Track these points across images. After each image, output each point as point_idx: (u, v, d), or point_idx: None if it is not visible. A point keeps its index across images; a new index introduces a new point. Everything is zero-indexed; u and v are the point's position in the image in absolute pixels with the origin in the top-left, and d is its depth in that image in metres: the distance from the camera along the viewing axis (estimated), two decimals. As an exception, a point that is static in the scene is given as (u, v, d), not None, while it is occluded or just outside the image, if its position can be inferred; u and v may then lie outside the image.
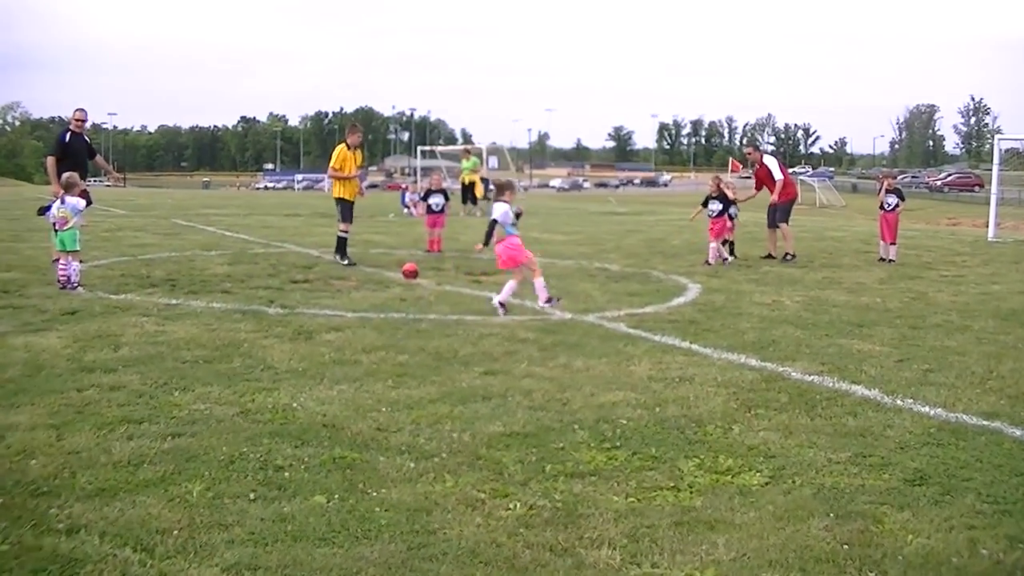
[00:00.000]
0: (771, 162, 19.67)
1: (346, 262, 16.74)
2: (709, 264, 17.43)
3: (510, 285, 11.60)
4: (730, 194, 18.53)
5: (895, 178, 21.19)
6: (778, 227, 19.27)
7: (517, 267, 11.74)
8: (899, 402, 7.55)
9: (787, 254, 18.65)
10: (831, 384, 8.12)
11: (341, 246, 17.22)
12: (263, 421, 6.68)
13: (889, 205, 19.46)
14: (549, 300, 11.76)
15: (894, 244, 19.22)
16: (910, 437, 6.58)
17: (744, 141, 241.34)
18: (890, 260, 18.85)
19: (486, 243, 11.68)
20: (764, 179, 19.65)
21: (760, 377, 8.34)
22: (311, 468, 5.73)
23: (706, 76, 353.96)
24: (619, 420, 6.87)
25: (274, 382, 7.82)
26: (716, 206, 18.22)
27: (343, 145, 17.71)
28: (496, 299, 11.50)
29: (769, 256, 19.01)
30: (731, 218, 18.66)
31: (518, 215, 11.85)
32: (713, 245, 17.83)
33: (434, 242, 19.41)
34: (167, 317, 10.79)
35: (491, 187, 41.68)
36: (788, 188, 19.61)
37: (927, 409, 7.32)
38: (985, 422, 6.98)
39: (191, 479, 5.52)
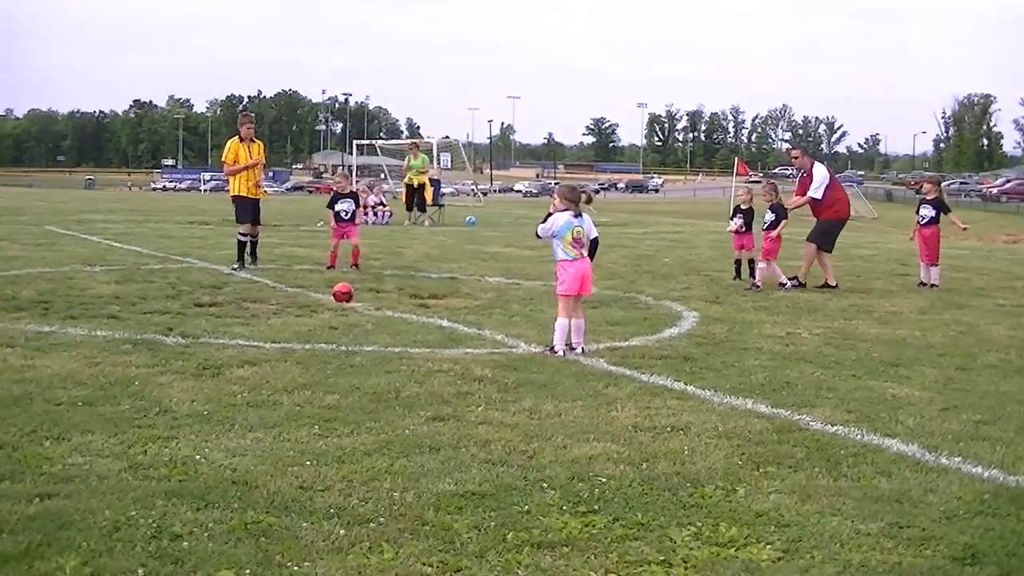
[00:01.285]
0: (819, 173, 19.41)
1: (236, 266, 18.14)
2: (758, 288, 17.50)
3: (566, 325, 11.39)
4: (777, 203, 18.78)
5: (938, 184, 21.19)
6: (819, 248, 19.11)
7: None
8: (944, 460, 7.56)
9: (793, 277, 18.63)
10: (859, 437, 8.15)
11: (240, 251, 18.27)
12: (157, 478, 6.62)
13: (923, 219, 19.70)
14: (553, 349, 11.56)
15: (935, 265, 19.30)
16: (958, 504, 6.59)
17: (788, 142, 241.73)
18: (931, 285, 18.95)
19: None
20: (805, 191, 19.56)
21: (771, 427, 8.36)
22: (216, 536, 5.68)
23: (706, 57, 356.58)
24: (597, 478, 6.86)
25: (172, 429, 7.76)
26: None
27: (235, 137, 19.19)
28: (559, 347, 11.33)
29: (825, 284, 18.59)
30: (749, 230, 19.22)
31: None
32: (762, 265, 18.02)
33: (335, 255, 19.23)
34: (37, 348, 10.70)
35: (442, 191, 41.89)
36: (839, 204, 19.71)
37: (979, 470, 7.34)
38: (1054, 487, 6.99)
39: (63, 552, 5.44)
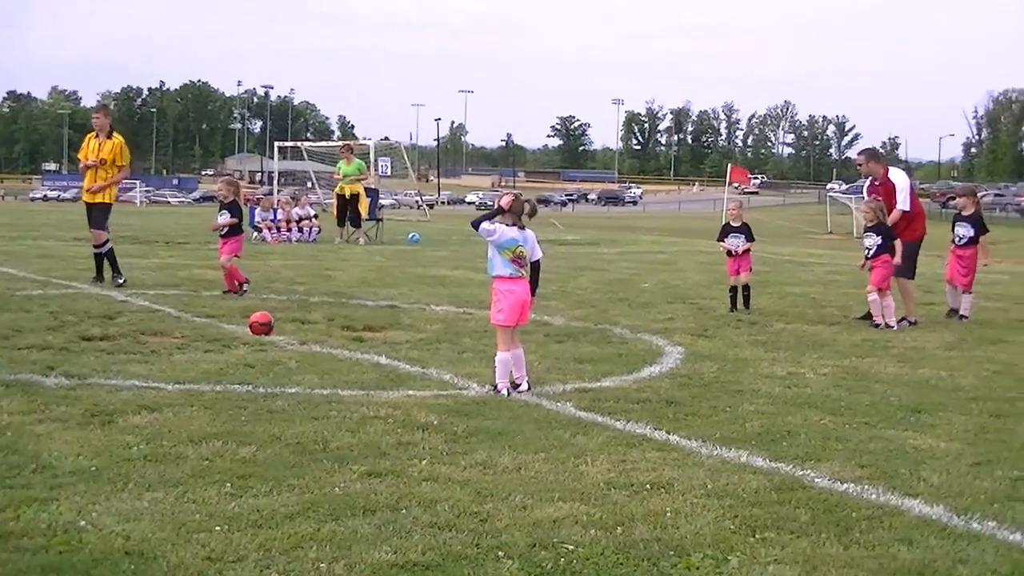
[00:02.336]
0: (899, 179, 19.26)
1: (94, 275, 19.50)
2: (890, 326, 17.35)
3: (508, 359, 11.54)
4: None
5: (975, 196, 21.09)
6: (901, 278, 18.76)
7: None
8: (976, 525, 7.59)
9: (903, 319, 18.25)
10: (874, 496, 8.19)
11: (98, 263, 19.72)
12: (32, 549, 6.56)
13: (961, 239, 19.66)
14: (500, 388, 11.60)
15: (968, 293, 19.36)
16: (992, 576, 6.64)
17: (852, 150, 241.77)
18: (960, 316, 19.08)
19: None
20: (886, 200, 19.32)
21: (769, 484, 8.39)
22: (106, 616, 5.64)
23: (694, 45, 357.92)
24: (563, 545, 6.86)
25: (51, 489, 7.70)
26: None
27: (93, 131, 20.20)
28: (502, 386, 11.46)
29: (903, 320, 18.37)
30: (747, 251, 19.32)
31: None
32: (873, 298, 17.76)
33: (230, 276, 19.25)
34: None
35: (380, 202, 41.90)
36: (918, 220, 19.44)
37: (1019, 537, 7.36)
38: (1108, 559, 7.04)
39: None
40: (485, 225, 11.46)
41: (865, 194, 20.17)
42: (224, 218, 19.50)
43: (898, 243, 17.67)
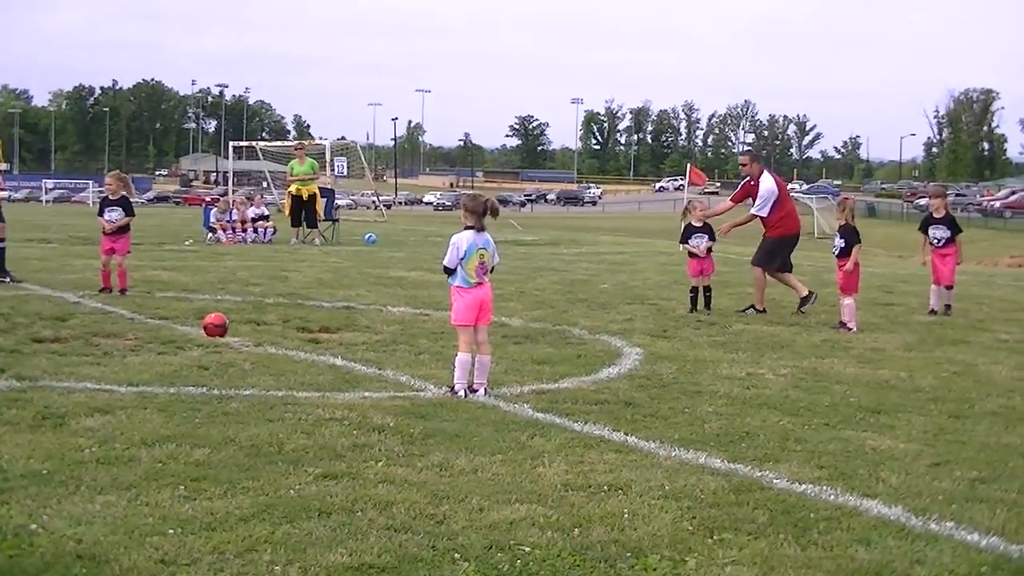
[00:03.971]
0: (766, 185, 19.95)
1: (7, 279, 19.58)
2: (850, 330, 17.45)
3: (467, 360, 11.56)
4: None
5: (944, 197, 21.42)
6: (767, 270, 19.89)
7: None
8: (934, 526, 7.65)
9: (750, 307, 19.44)
10: (832, 497, 8.24)
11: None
12: (-15, 550, 6.56)
13: (939, 241, 20.28)
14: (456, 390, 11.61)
15: (950, 288, 20.16)
16: (950, 578, 6.68)
17: (813, 150, 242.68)
18: (946, 306, 19.95)
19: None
20: (744, 198, 20.50)
21: (727, 486, 8.42)
22: (57, 621, 5.64)
23: (654, 43, 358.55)
24: (520, 547, 6.89)
25: (2, 493, 7.67)
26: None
27: None
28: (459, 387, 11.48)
29: (750, 307, 19.61)
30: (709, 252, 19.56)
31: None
32: (848, 302, 17.79)
33: (107, 275, 19.19)
34: None
35: (336, 203, 41.86)
36: (788, 219, 20.24)
37: (976, 537, 7.41)
38: (1065, 558, 7.10)
39: None
40: (447, 258, 11.49)
41: (738, 190, 21.24)
42: (118, 215, 19.43)
43: (856, 248, 17.85)
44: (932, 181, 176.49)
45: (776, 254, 19.96)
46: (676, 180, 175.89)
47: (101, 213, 19.67)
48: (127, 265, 19.57)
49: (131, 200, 20.38)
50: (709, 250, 19.48)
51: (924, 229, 20.68)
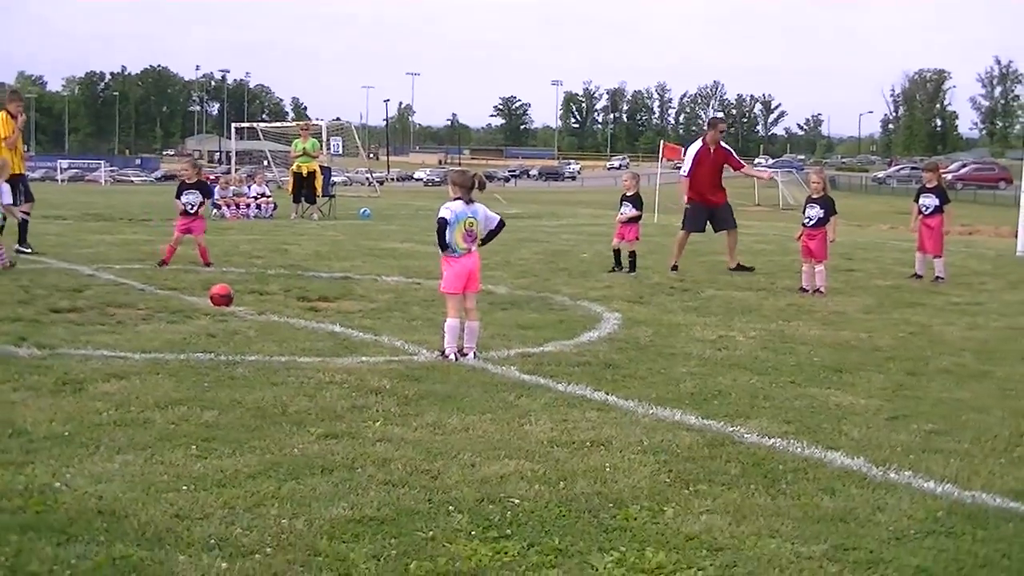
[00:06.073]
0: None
1: (29, 250, 20.41)
2: (942, 279, 17.90)
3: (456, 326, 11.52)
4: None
5: (937, 171, 22.26)
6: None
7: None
8: (893, 475, 7.70)
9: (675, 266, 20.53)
10: (799, 450, 8.27)
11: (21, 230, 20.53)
12: (10, 510, 6.54)
13: (927, 208, 20.64)
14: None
15: (939, 257, 20.37)
16: (909, 524, 6.72)
17: (778, 127, 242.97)
18: (937, 278, 20.05)
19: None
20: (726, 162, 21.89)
21: (701, 441, 8.45)
22: (80, 574, 5.64)
23: (628, 28, 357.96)
24: (510, 500, 6.91)
25: (27, 453, 7.67)
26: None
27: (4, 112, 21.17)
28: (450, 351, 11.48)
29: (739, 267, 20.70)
30: (635, 220, 20.38)
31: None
32: (820, 268, 17.99)
33: (172, 251, 19.28)
34: None
35: (333, 180, 41.77)
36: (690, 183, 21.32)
37: (932, 485, 7.48)
38: (1013, 504, 7.14)
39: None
40: (440, 222, 11.48)
41: (696, 162, 21.51)
42: (195, 196, 19.74)
43: (835, 219, 18.04)
44: (888, 156, 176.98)
45: (688, 217, 21.42)
46: (623, 158, 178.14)
47: (179, 196, 19.92)
48: (206, 242, 19.79)
49: (206, 183, 21.43)
50: (633, 218, 20.27)
51: (917, 198, 21.07)
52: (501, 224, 11.94)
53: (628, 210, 20.25)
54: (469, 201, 11.57)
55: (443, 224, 11.40)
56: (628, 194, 20.59)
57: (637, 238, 20.44)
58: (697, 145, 21.49)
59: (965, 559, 6.13)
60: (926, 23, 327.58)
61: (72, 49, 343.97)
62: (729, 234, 21.03)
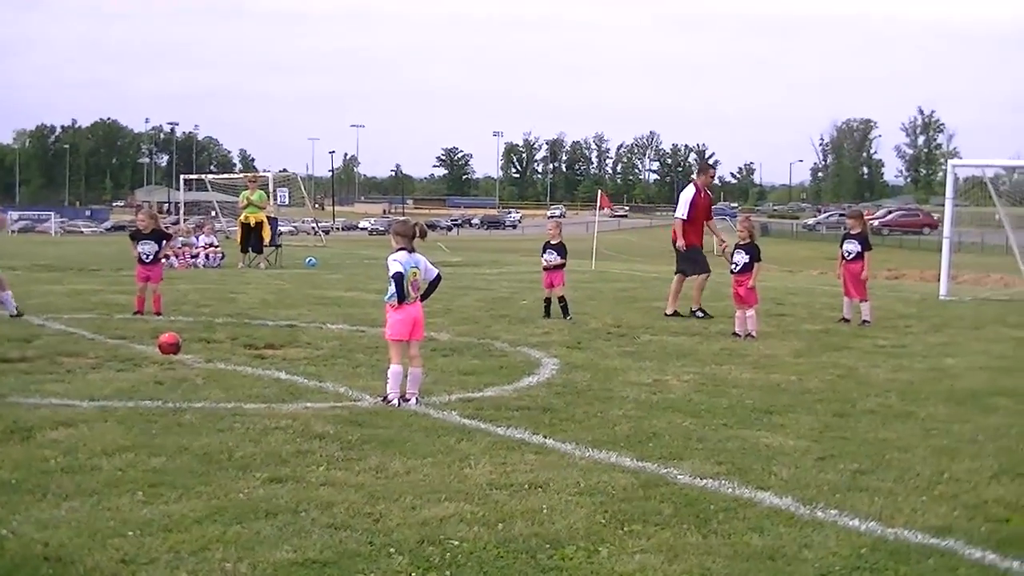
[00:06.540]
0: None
1: None
2: (753, 338, 17.76)
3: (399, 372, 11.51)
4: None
5: (862, 218, 22.39)
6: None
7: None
8: (820, 514, 7.76)
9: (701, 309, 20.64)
10: (730, 490, 8.31)
11: None
12: (-41, 554, 6.51)
13: (849, 254, 20.81)
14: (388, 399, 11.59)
15: (865, 301, 20.49)
16: (834, 560, 6.77)
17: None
18: (863, 321, 20.10)
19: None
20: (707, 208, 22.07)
21: (636, 482, 8.48)
22: (27, 617, 5.61)
23: (567, 80, 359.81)
24: (449, 541, 6.92)
25: (-25, 500, 7.63)
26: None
27: None
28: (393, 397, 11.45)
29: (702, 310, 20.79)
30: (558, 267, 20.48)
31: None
32: (750, 313, 18.15)
33: (142, 300, 19.30)
34: None
35: (279, 229, 41.70)
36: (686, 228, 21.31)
37: (857, 523, 7.54)
38: (934, 540, 7.20)
39: None
40: (391, 294, 11.48)
41: (692, 206, 21.55)
42: (151, 247, 19.77)
43: (757, 265, 18.19)
44: (818, 203, 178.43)
45: (684, 259, 21.52)
46: (560, 207, 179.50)
47: (135, 244, 19.85)
48: (160, 291, 19.74)
49: (162, 232, 20.97)
50: (559, 266, 20.37)
51: (841, 244, 21.30)
52: (438, 278, 11.96)
53: (554, 258, 20.38)
54: (411, 250, 11.59)
55: (400, 278, 11.39)
56: (552, 242, 20.77)
57: (563, 283, 20.50)
58: (691, 190, 21.61)
59: (889, 594, 6.18)
60: (853, 74, 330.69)
61: (22, 102, 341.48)
62: (705, 278, 21.07)
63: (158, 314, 18.95)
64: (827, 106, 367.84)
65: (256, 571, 6.32)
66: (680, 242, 21.22)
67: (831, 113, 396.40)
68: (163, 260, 20.50)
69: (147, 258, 19.50)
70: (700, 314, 20.34)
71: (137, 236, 19.87)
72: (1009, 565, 6.68)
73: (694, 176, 22.80)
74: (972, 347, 17.45)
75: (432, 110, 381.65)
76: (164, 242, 20.51)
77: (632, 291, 23.78)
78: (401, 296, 11.41)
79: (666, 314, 20.35)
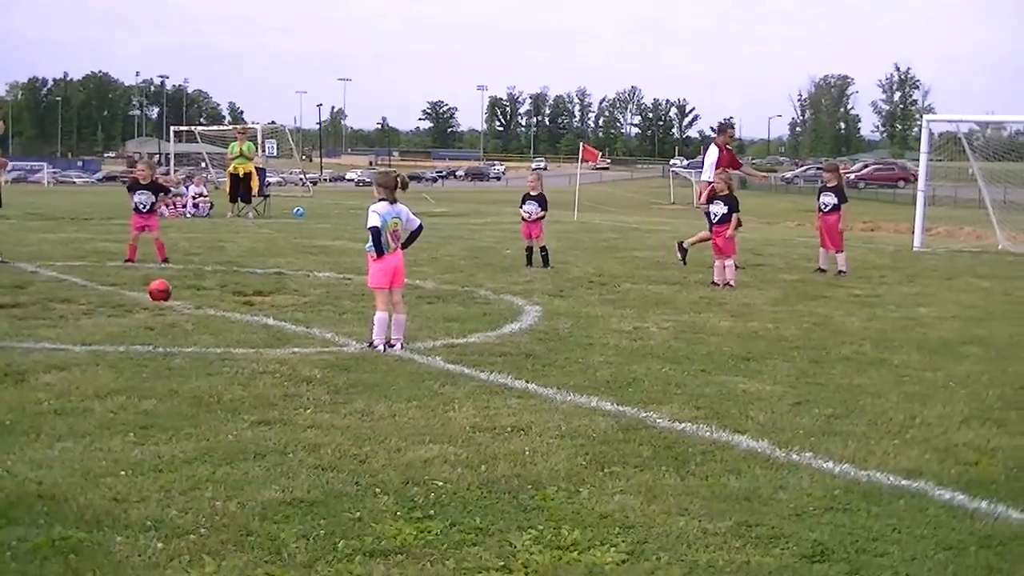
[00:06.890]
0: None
1: None
2: (732, 287, 17.68)
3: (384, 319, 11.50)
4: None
5: (837, 171, 22.56)
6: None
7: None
8: (795, 457, 7.80)
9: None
10: (708, 434, 8.36)
11: None
12: (-46, 493, 6.51)
13: (826, 206, 20.90)
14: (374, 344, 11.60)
15: (840, 252, 20.56)
16: (808, 501, 6.81)
17: (692, 130, 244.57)
18: (840, 272, 20.15)
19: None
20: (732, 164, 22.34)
21: (616, 425, 8.52)
22: (20, 556, 5.61)
23: (550, 36, 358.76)
24: (433, 482, 6.95)
25: (-30, 440, 7.63)
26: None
27: None
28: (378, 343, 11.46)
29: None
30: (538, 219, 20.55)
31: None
32: (729, 263, 18.14)
33: (134, 249, 19.30)
34: None
35: (268, 180, 41.60)
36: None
37: (830, 465, 7.59)
38: (905, 482, 7.26)
39: None
40: (372, 244, 11.46)
41: (718, 161, 21.51)
42: (147, 196, 19.77)
43: (735, 216, 18.18)
44: (796, 157, 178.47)
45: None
46: (542, 160, 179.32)
47: (132, 194, 19.80)
48: (162, 239, 19.84)
49: (160, 184, 20.99)
50: (539, 218, 20.45)
51: (818, 197, 21.47)
52: (420, 228, 11.92)
53: (535, 209, 20.36)
54: (393, 201, 11.57)
55: (377, 232, 11.37)
56: (532, 193, 20.73)
57: (541, 235, 20.58)
58: (714, 151, 21.84)
59: (860, 533, 6.23)
60: (832, 29, 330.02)
61: (15, 55, 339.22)
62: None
63: (165, 261, 19.07)
64: (806, 63, 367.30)
65: (244, 510, 6.33)
66: (703, 204, 21.11)
67: (810, 69, 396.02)
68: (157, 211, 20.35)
69: (144, 208, 19.44)
70: (679, 253, 20.48)
71: (135, 186, 19.79)
72: (977, 505, 6.73)
73: (715, 137, 23.34)
74: (944, 297, 17.52)
75: (418, 65, 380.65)
76: (161, 194, 20.44)
77: (613, 241, 23.83)
78: (379, 248, 11.40)
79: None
